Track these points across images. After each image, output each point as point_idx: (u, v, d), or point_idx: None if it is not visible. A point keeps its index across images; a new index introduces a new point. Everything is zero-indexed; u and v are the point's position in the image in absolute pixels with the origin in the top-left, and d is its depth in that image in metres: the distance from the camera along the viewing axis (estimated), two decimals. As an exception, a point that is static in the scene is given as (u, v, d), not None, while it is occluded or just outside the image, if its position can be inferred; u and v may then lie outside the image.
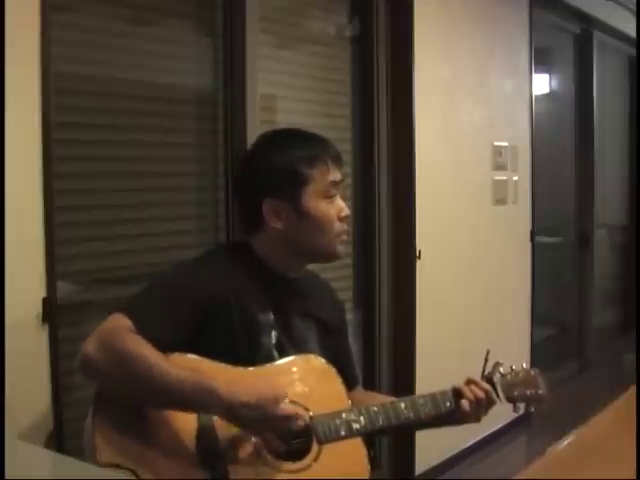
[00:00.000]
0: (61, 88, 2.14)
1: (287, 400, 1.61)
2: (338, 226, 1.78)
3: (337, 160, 1.80)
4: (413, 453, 3.36)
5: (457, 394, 1.83)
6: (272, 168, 1.75)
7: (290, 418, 1.56)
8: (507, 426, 3.93)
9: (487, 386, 1.85)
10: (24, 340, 1.96)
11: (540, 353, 4.53)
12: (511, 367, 1.95)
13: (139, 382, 1.50)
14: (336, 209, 1.77)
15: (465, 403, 1.80)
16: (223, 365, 1.63)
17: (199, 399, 1.49)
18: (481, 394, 1.82)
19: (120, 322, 1.56)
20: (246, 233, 1.84)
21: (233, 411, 1.50)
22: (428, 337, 3.45)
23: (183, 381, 1.49)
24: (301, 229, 1.75)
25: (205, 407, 1.51)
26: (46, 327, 2.01)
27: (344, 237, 1.81)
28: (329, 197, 1.76)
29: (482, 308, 3.97)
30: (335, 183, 1.78)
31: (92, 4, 2.34)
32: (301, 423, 1.59)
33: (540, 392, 1.94)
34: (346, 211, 1.79)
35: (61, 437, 2.03)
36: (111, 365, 1.52)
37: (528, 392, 1.93)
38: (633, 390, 1.85)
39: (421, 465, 3.44)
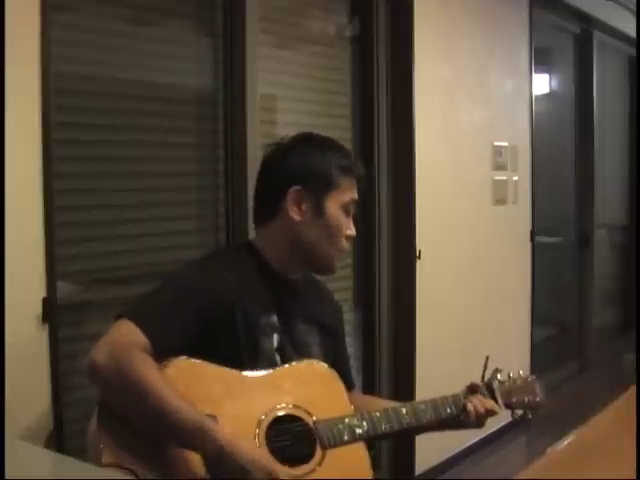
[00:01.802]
0: (61, 88, 2.14)
1: (290, 409, 1.63)
2: (343, 242, 1.81)
3: (360, 182, 1.85)
4: (413, 453, 3.36)
5: (472, 390, 1.87)
6: (311, 162, 1.79)
7: None
8: (507, 426, 3.92)
9: (491, 402, 1.89)
10: (24, 340, 1.96)
11: (540, 353, 4.53)
12: (509, 374, 1.97)
13: (143, 408, 1.49)
14: (347, 225, 1.81)
15: (471, 411, 1.84)
16: (226, 370, 1.63)
17: (198, 442, 1.48)
18: (488, 405, 1.87)
19: (132, 335, 1.55)
20: (257, 221, 1.85)
21: (225, 459, 1.48)
22: (428, 337, 3.45)
23: (188, 420, 1.47)
24: (313, 228, 1.77)
25: (201, 448, 1.49)
26: (46, 327, 2.01)
27: (342, 255, 1.85)
28: (346, 212, 1.81)
29: (482, 308, 3.97)
30: (354, 201, 1.82)
31: (92, 4, 2.34)
32: None
33: (538, 399, 1.97)
34: (353, 231, 1.83)
35: (61, 437, 2.03)
36: (119, 385, 1.51)
37: (526, 399, 1.96)
38: (633, 390, 1.85)
39: (421, 465, 3.44)
